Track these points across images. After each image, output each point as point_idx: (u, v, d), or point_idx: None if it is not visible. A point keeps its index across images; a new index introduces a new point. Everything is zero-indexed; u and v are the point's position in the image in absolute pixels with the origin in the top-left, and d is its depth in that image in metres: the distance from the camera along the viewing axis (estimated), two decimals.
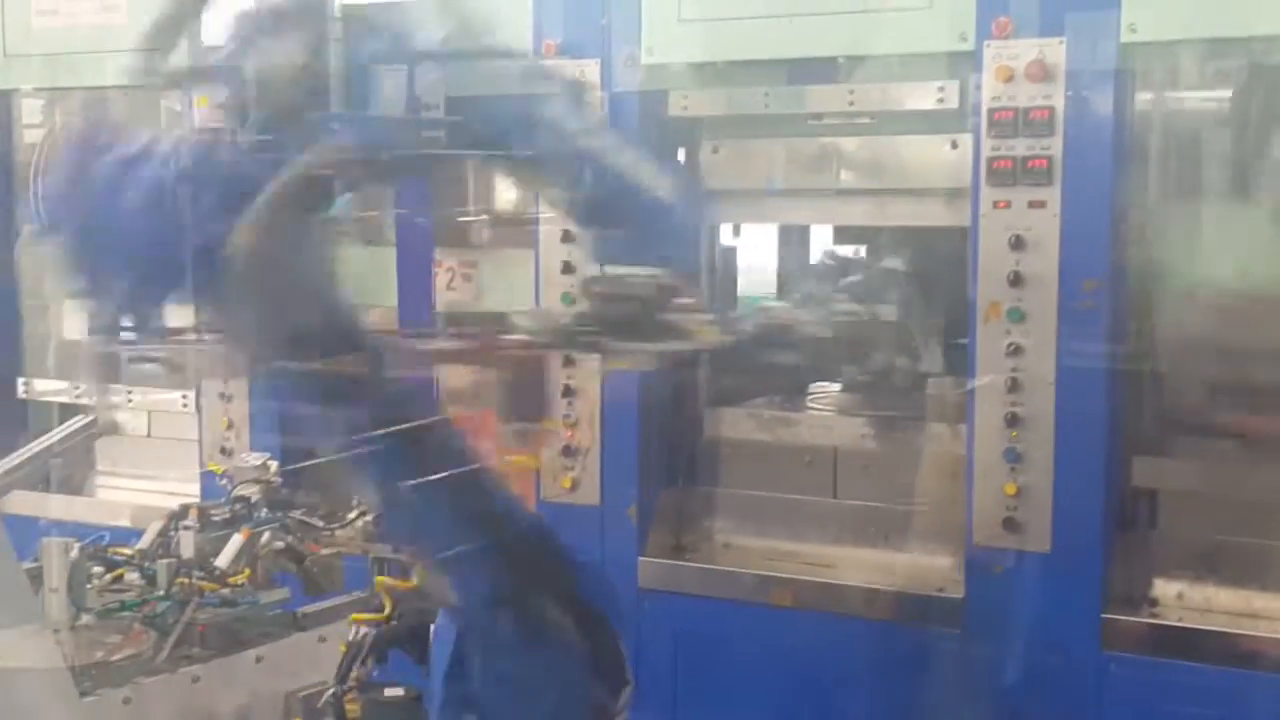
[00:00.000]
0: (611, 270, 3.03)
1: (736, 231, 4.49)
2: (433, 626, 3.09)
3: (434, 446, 2.73)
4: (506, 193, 4.48)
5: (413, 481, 2.69)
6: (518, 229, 4.40)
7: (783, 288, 4.76)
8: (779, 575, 4.15)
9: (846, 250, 4.59)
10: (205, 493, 4.34)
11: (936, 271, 4.22)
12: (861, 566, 4.14)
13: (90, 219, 2.66)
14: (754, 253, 4.66)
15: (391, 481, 2.76)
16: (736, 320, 3.47)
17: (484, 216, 4.67)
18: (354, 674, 3.07)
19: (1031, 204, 3.66)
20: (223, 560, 3.26)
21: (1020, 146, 3.66)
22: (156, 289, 2.74)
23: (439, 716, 3.00)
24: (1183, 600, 3.76)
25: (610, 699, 3.04)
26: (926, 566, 4.03)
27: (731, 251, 4.49)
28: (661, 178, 3.04)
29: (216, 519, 3.36)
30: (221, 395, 4.88)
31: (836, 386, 4.42)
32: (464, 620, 2.93)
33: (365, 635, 3.12)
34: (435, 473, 2.69)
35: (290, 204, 2.51)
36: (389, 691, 3.13)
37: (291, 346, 2.62)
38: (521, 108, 2.85)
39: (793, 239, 4.78)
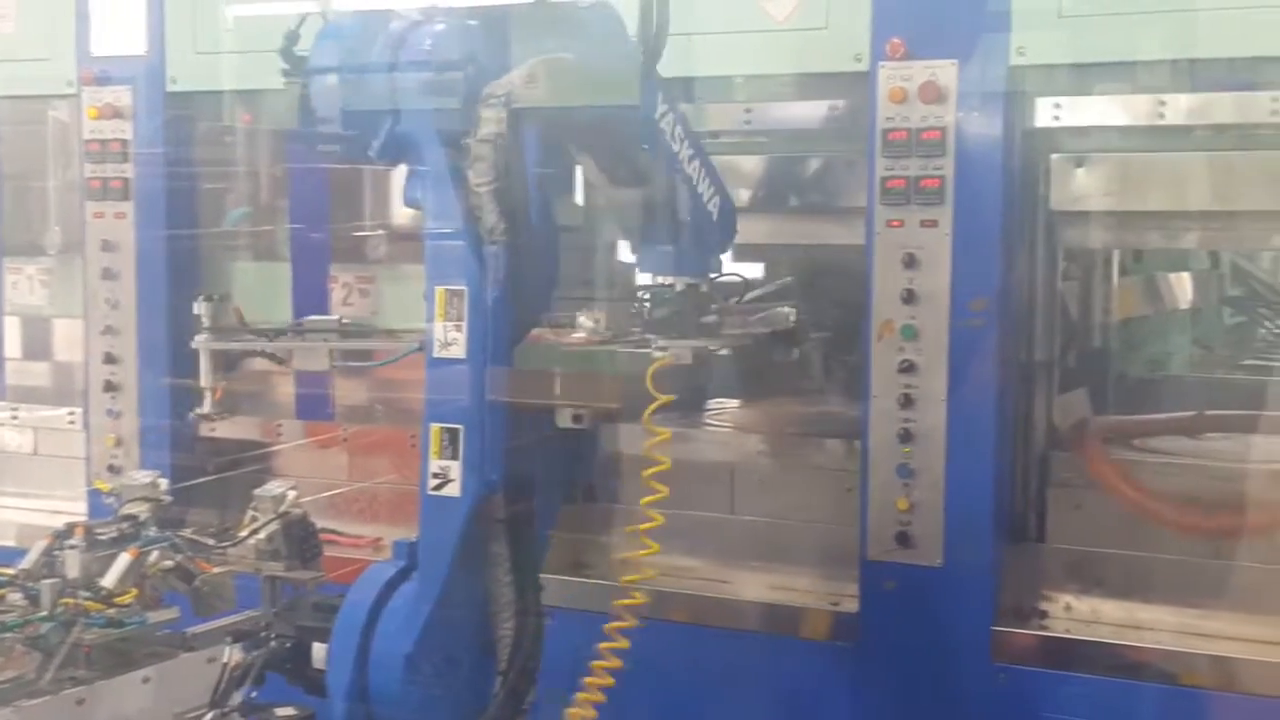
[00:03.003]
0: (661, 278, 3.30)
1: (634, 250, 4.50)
2: (317, 646, 3.07)
3: None
4: (403, 206, 4.45)
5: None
6: (416, 244, 4.37)
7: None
8: (676, 591, 4.16)
9: (743, 268, 4.62)
10: (93, 511, 4.26)
11: (832, 289, 4.26)
12: (758, 582, 4.16)
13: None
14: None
15: None
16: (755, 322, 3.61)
17: (381, 231, 4.65)
18: (235, 697, 3.04)
19: (924, 223, 3.71)
20: (109, 579, 3.20)
21: (913, 166, 3.71)
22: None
23: None
24: (1070, 612, 3.83)
25: (515, 699, 3.07)
26: (822, 581, 4.06)
27: (630, 268, 4.49)
28: (714, 194, 3.20)
29: (103, 537, 3.30)
30: (110, 412, 4.80)
31: (734, 403, 4.44)
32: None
33: (240, 657, 3.09)
34: None
35: None
36: (280, 712, 3.10)
37: None
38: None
39: None
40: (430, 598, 3.05)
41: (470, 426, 3.01)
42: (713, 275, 3.41)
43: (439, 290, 3.01)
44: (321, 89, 3.07)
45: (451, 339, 3.00)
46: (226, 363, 3.67)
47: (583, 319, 3.28)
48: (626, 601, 3.40)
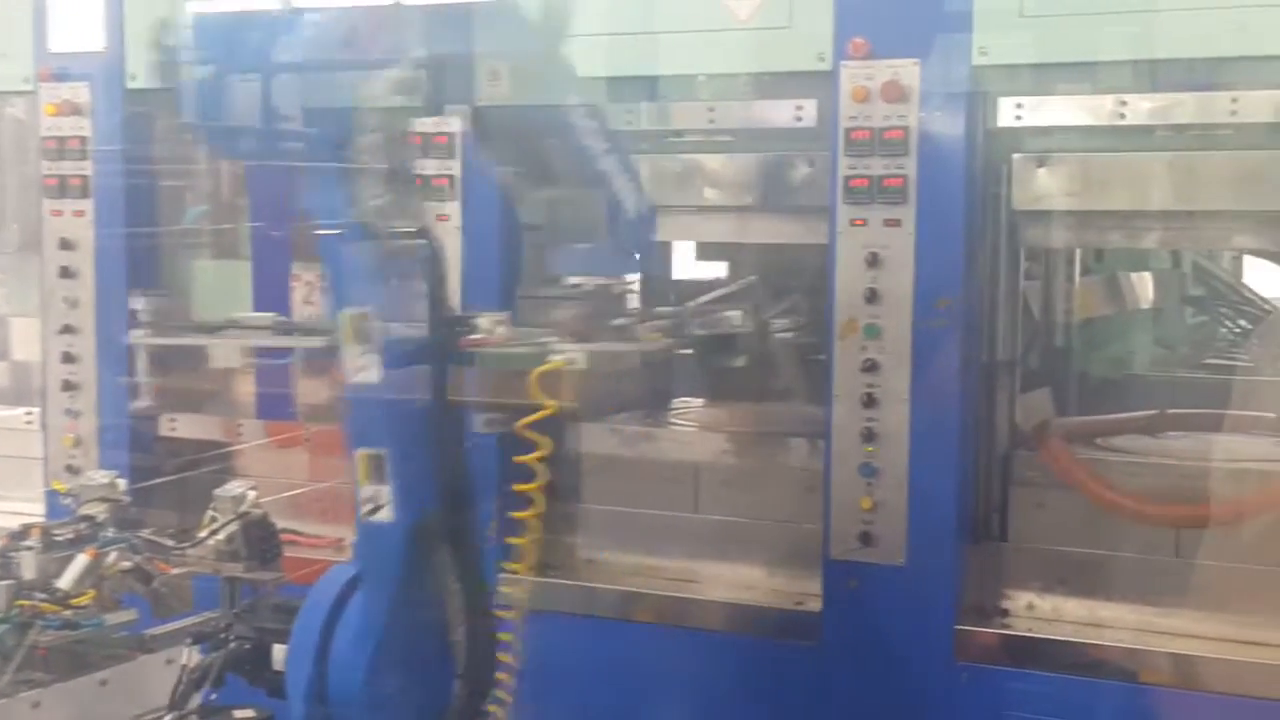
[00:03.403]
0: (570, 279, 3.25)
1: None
2: (277, 648, 3.05)
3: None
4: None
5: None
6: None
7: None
8: (641, 591, 4.15)
9: (709, 266, 4.62)
10: (51, 512, 4.22)
11: (796, 288, 4.26)
12: (722, 582, 4.16)
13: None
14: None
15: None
16: (681, 326, 3.55)
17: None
18: (194, 699, 3.02)
19: (887, 222, 3.72)
20: (66, 581, 3.19)
21: (876, 166, 3.71)
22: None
23: None
24: (1032, 610, 3.84)
25: (475, 699, 3.06)
26: (785, 581, 4.06)
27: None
28: (629, 192, 3.14)
29: (60, 538, 3.28)
30: (68, 411, 4.76)
31: (699, 402, 4.44)
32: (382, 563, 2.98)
33: (198, 659, 3.07)
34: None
35: None
36: (239, 714, 3.08)
37: None
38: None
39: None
40: (380, 614, 3.02)
41: (394, 450, 2.94)
42: (630, 276, 3.35)
43: (345, 316, 2.89)
44: (193, 85, 2.97)
45: (363, 364, 2.89)
46: (167, 359, 3.62)
47: (482, 321, 3.15)
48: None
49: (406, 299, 2.93)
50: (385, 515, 2.94)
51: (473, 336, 3.06)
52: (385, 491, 2.93)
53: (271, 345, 3.61)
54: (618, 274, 3.30)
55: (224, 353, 3.59)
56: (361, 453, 2.94)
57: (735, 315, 3.48)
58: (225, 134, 2.99)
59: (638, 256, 3.40)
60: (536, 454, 3.07)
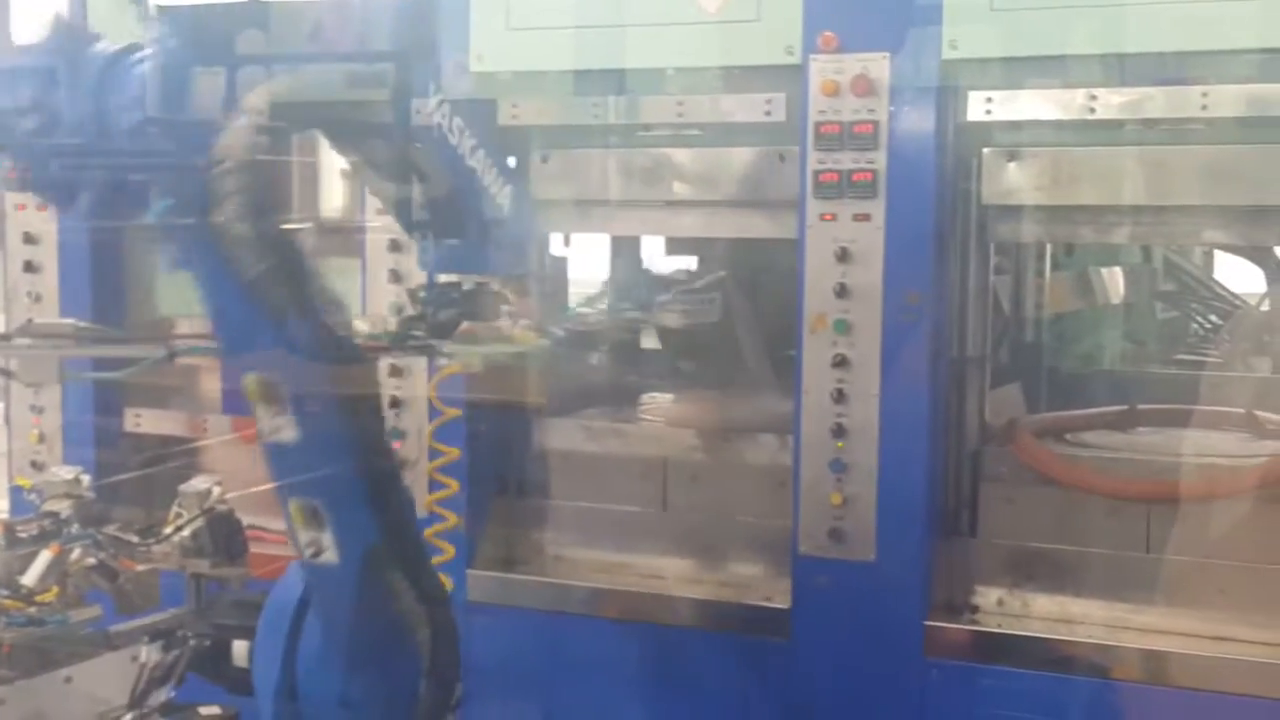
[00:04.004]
0: (442, 277, 3.10)
1: (567, 242, 4.47)
2: (237, 644, 3.03)
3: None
4: (332, 200, 4.41)
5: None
6: (344, 237, 4.33)
7: (613, 298, 4.75)
8: (610, 588, 4.14)
9: (678, 261, 4.61)
10: (15, 508, 4.19)
11: (765, 283, 4.25)
12: (691, 578, 4.15)
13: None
14: (588, 264, 4.65)
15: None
16: (560, 325, 3.48)
17: (309, 224, 4.59)
18: (155, 697, 2.99)
19: (856, 217, 3.71)
20: (30, 577, 3.15)
21: (846, 160, 3.70)
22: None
23: None
24: (1002, 607, 3.84)
25: (443, 694, 3.04)
26: (754, 576, 4.05)
27: (562, 262, 4.47)
28: (497, 188, 3.07)
29: (24, 535, 3.24)
30: (33, 407, 4.72)
31: (667, 397, 4.43)
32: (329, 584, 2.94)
33: (158, 657, 3.04)
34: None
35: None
36: (204, 711, 3.06)
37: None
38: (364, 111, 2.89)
39: (624, 250, 4.78)
40: (340, 634, 3.00)
41: (326, 499, 2.89)
42: (517, 274, 3.27)
43: (250, 380, 2.81)
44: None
45: (277, 425, 2.82)
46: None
47: (358, 323, 3.10)
48: None
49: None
50: (330, 558, 2.90)
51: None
52: (324, 537, 2.89)
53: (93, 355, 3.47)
54: (493, 272, 3.18)
55: (34, 366, 3.43)
56: (294, 503, 2.90)
57: (703, 309, 3.47)
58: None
59: (513, 254, 3.28)
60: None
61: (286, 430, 2.81)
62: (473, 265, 3.12)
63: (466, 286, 3.14)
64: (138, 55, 2.74)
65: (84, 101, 2.70)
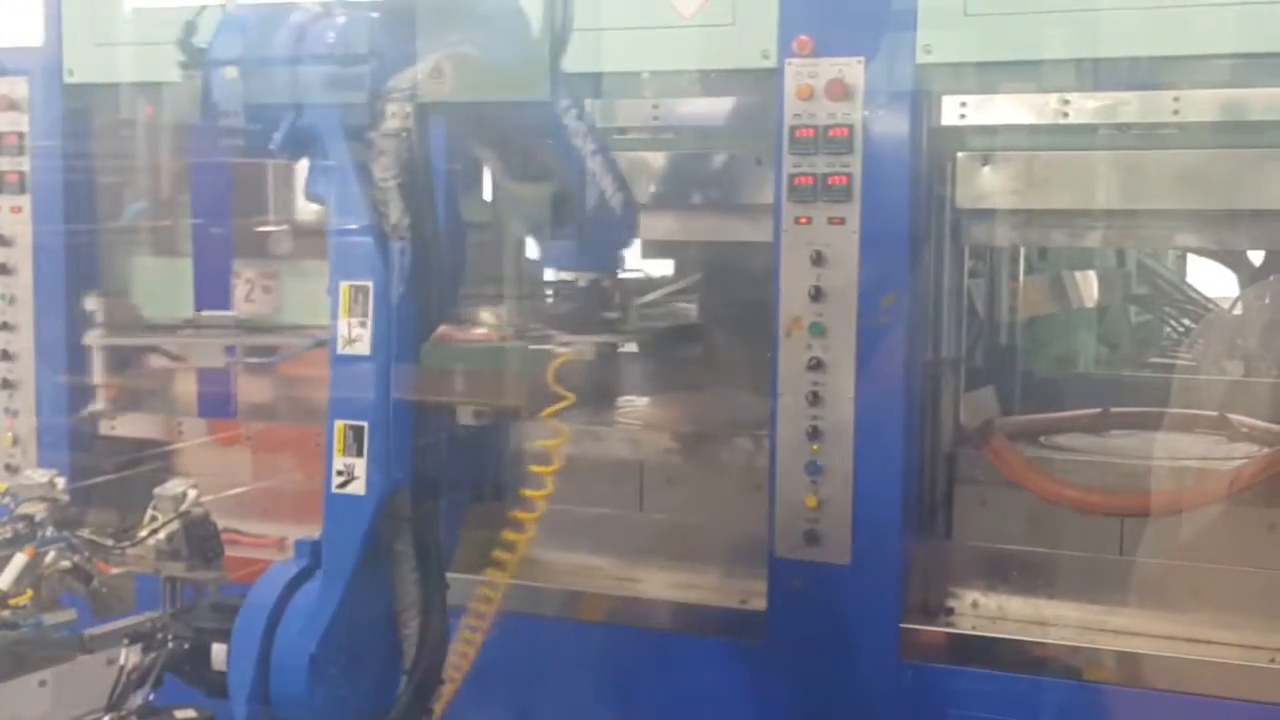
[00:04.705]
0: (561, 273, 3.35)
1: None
2: (217, 648, 3.02)
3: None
4: (306, 201, 4.40)
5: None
6: (320, 240, 4.31)
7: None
8: (585, 591, 4.14)
9: (652, 264, 4.61)
10: None
11: (740, 286, 4.26)
12: (667, 580, 4.15)
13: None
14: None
15: None
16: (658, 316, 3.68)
17: (285, 226, 4.59)
18: (132, 700, 2.98)
19: (831, 220, 3.72)
20: (3, 581, 3.16)
21: (820, 164, 3.71)
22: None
23: None
24: (977, 609, 3.86)
25: (421, 697, 3.04)
26: (730, 579, 4.06)
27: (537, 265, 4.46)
28: (616, 190, 3.33)
29: None
30: (6, 410, 4.70)
31: (644, 400, 4.43)
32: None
33: (137, 659, 3.04)
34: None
35: None
36: (180, 714, 3.05)
37: None
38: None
39: None
40: (334, 598, 3.01)
41: (375, 423, 2.98)
42: (617, 271, 3.42)
43: (343, 286, 2.99)
44: (221, 82, 3.03)
45: (356, 335, 2.97)
46: (121, 359, 3.61)
47: (484, 315, 3.25)
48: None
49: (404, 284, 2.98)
50: (357, 488, 2.96)
51: (476, 331, 3.16)
52: (359, 464, 2.96)
53: (260, 344, 3.63)
54: (606, 269, 3.39)
55: (201, 352, 3.59)
56: (340, 423, 2.98)
57: (690, 307, 3.52)
58: (260, 131, 3.04)
59: (623, 253, 3.52)
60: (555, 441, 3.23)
61: (361, 343, 2.94)
62: (589, 263, 3.35)
63: (582, 283, 3.33)
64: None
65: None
